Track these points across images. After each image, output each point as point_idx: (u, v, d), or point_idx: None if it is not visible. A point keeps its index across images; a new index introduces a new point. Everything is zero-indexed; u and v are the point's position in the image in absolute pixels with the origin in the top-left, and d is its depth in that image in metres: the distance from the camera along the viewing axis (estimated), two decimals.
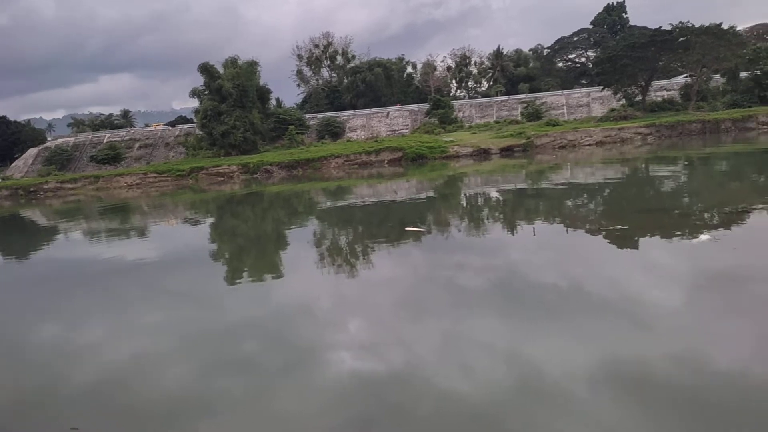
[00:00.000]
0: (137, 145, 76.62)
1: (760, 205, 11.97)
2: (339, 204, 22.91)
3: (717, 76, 53.69)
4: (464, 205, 19.33)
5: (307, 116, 71.49)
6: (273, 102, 68.40)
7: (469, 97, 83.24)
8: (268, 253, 13.92)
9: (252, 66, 58.07)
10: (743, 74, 50.97)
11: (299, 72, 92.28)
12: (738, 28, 51.65)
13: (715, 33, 46.37)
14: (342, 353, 6.48)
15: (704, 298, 7.26)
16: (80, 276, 12.91)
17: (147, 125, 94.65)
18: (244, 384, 5.90)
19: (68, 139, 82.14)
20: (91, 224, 23.94)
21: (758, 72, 48.32)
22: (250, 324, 7.85)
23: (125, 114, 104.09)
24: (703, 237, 10.15)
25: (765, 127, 41.38)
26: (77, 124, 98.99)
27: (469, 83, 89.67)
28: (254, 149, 57.12)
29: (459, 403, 5.06)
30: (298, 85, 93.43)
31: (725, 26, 47.33)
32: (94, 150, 72.73)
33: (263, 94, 60.59)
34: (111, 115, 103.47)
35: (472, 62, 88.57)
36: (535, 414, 4.74)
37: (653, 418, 4.51)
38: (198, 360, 6.71)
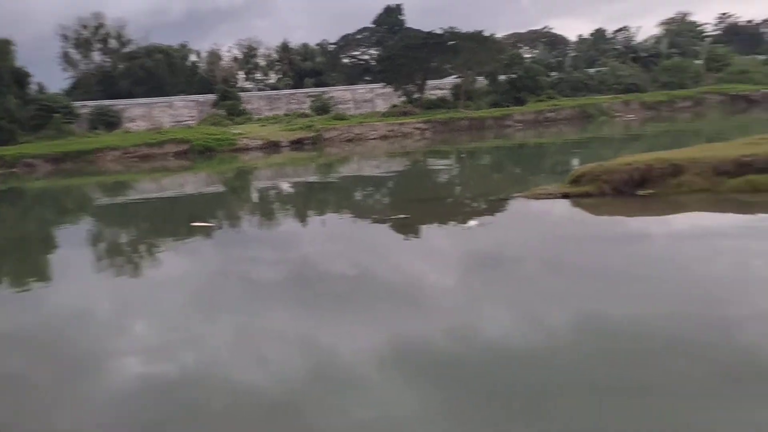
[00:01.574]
0: None
1: (517, 194, 13.64)
2: (118, 200, 21.19)
3: (482, 78, 59.92)
4: (255, 198, 19.16)
5: (77, 104, 64.42)
6: (34, 87, 60.50)
7: (258, 90, 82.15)
8: (32, 256, 12.39)
9: (4, 45, 50.74)
10: (502, 77, 57.54)
11: (65, 54, 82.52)
12: (497, 36, 58.29)
13: (477, 39, 51.68)
14: (127, 359, 6.07)
15: (475, 277, 8.14)
16: None
17: None
18: (12, 404, 5.23)
19: None
20: None
21: (514, 76, 54.99)
22: (10, 336, 6.95)
23: None
24: (472, 222, 11.34)
25: (520, 124, 47.25)
26: None
27: (257, 75, 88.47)
28: (12, 140, 49.96)
29: (255, 396, 5.06)
30: (65, 70, 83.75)
31: (487, 33, 53.07)
32: None
33: (20, 77, 53.24)
34: None
35: (260, 54, 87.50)
36: (331, 401, 4.90)
37: (438, 391, 4.92)
38: None
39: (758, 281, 6.78)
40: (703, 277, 7.11)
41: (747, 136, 14.95)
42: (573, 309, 6.45)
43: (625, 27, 70.52)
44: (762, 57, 57.91)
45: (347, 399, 4.89)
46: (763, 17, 78.28)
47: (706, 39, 69.31)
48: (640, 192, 11.40)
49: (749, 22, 77.46)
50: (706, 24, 75.20)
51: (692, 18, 74.25)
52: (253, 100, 69.42)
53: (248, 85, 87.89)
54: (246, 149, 42.39)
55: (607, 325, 5.86)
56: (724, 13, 79.19)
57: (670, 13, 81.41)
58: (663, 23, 73.46)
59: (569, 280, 7.51)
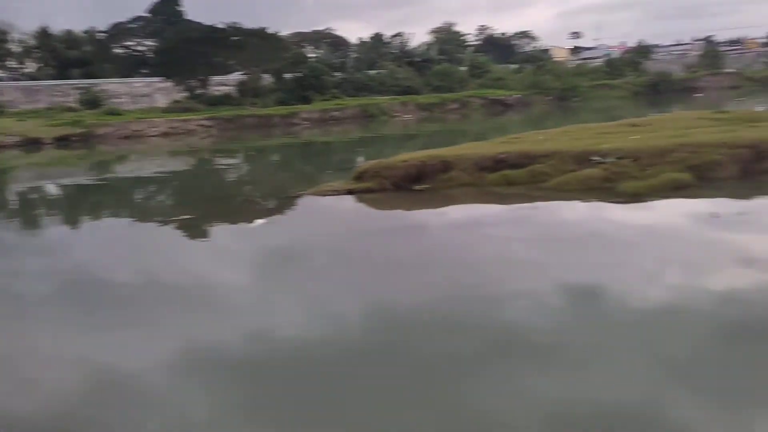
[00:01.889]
0: None
1: (305, 191, 13.90)
2: None
3: (268, 76, 59.65)
4: (11, 202, 16.91)
5: None
6: None
7: (13, 80, 72.11)
8: None
9: None
10: (288, 76, 57.93)
11: None
12: (282, 34, 58.49)
13: (261, 36, 51.40)
14: None
15: (266, 274, 8.16)
16: None
17: None
18: None
19: None
20: None
21: (299, 74, 55.69)
22: None
23: None
24: (261, 221, 11.33)
25: (307, 123, 48.04)
26: None
27: (11, 63, 77.56)
28: None
29: (28, 427, 4.54)
30: None
31: (271, 31, 52.96)
32: None
33: None
34: None
35: (13, 39, 76.72)
36: (119, 418, 4.57)
37: (234, 394, 4.87)
38: None
39: (517, 263, 7.80)
40: (472, 262, 7.97)
41: (503, 135, 17.05)
42: (360, 299, 6.83)
43: (400, 33, 75.39)
44: (514, 66, 66.19)
45: (138, 414, 4.60)
46: (514, 31, 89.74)
47: (468, 48, 77.27)
48: (417, 187, 12.37)
49: (503, 34, 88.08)
50: (468, 34, 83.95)
51: (457, 28, 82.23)
52: (7, 91, 60.90)
53: (1, 74, 76.68)
54: None
55: (390, 312, 6.31)
56: (482, 26, 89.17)
57: (438, 22, 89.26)
58: (433, 31, 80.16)
59: (355, 271, 7.92)
